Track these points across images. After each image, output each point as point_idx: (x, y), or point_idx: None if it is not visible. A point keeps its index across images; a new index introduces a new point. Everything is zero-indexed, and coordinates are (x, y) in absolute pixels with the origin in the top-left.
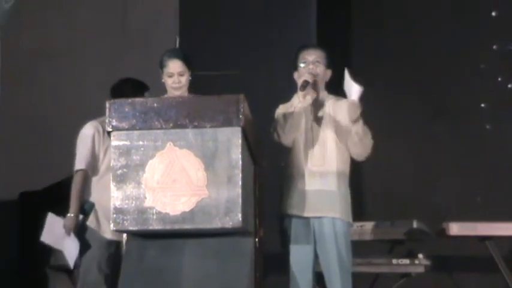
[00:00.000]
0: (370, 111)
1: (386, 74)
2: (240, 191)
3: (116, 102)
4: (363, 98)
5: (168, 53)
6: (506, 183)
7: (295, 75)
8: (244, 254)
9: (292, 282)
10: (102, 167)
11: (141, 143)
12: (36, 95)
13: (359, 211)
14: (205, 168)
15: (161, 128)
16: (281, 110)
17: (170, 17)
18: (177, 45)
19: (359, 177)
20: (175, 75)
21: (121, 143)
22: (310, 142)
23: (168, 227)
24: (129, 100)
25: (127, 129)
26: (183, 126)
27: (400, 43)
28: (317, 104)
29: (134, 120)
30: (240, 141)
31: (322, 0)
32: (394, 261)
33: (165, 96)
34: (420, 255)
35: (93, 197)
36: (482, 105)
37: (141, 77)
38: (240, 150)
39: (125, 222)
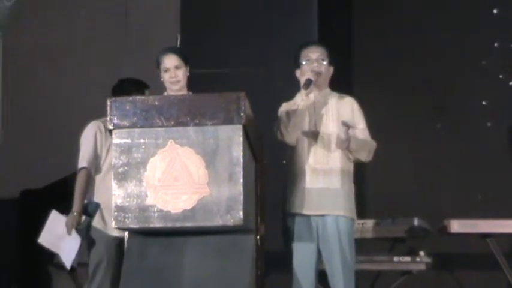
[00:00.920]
0: (371, 109)
1: (387, 72)
2: (241, 188)
3: (117, 100)
4: (366, 98)
5: (163, 50)
6: (507, 180)
7: (297, 72)
8: (246, 251)
9: (295, 280)
10: (105, 166)
11: (142, 140)
12: (37, 94)
13: (360, 209)
14: (206, 166)
15: (162, 126)
16: (284, 108)
17: (171, 16)
18: (178, 43)
19: (360, 175)
20: (172, 70)
21: (122, 141)
22: (313, 141)
23: (169, 224)
24: (130, 98)
25: (128, 127)
26: (184, 124)
27: (401, 41)
28: (320, 102)
29: (135, 118)
30: (241, 138)
31: None
32: (396, 258)
33: (166, 92)
34: (421, 253)
35: (98, 196)
36: (484, 102)
37: (142, 76)
38: (241, 147)
39: (126, 220)
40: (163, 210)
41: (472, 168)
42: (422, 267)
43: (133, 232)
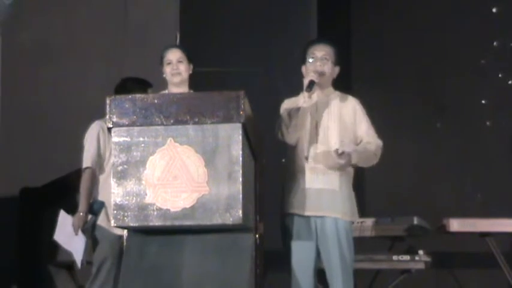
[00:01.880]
0: (371, 108)
1: (387, 72)
2: (240, 187)
3: (116, 99)
4: (365, 97)
5: (167, 45)
6: (506, 179)
7: (303, 68)
8: (245, 250)
9: (293, 279)
10: (109, 165)
11: (141, 139)
12: (37, 92)
13: (360, 207)
14: (205, 164)
15: (162, 124)
16: (286, 106)
17: (170, 14)
18: (177, 42)
19: (360, 174)
20: (174, 62)
21: (121, 139)
22: (315, 140)
23: (168, 223)
24: (129, 96)
25: (127, 126)
26: (183, 123)
27: (400, 40)
28: (323, 102)
29: (135, 117)
30: (240, 137)
31: None
32: (395, 257)
33: (166, 90)
34: (420, 252)
35: (102, 195)
36: (483, 101)
37: (142, 74)
38: (240, 146)
39: (125, 218)
40: (162, 208)
41: (472, 167)
42: (422, 266)
43: (132, 230)
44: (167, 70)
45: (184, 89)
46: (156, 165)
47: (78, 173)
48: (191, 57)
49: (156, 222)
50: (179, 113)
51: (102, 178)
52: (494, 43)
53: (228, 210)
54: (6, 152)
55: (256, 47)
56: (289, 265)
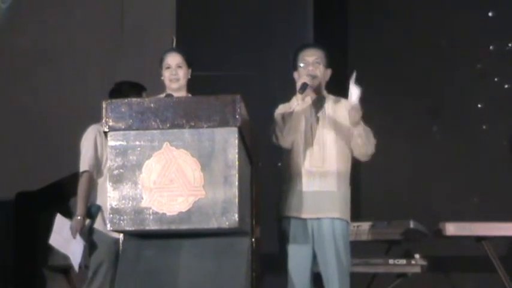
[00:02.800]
0: (367, 111)
1: (383, 74)
2: (236, 191)
3: (113, 103)
4: (362, 99)
5: (168, 48)
6: (502, 183)
7: (295, 74)
8: (241, 254)
9: (289, 283)
10: (106, 169)
11: (137, 143)
12: (33, 95)
13: (356, 211)
14: (202, 168)
15: (158, 128)
16: (280, 110)
17: (167, 17)
18: (174, 45)
19: (356, 177)
20: (173, 67)
21: (118, 143)
22: (310, 143)
23: (164, 227)
24: (126, 100)
25: (124, 130)
26: (179, 126)
27: (397, 43)
28: (317, 105)
29: (131, 121)
30: (236, 141)
31: (319, 0)
32: (391, 261)
33: (164, 93)
34: (417, 256)
35: (100, 199)
36: (479, 105)
37: (138, 77)
38: (236, 150)
39: (121, 222)
40: (158, 212)
41: (468, 171)
42: (418, 269)
43: (128, 234)
44: (166, 75)
45: (182, 93)
46: (152, 169)
47: (74, 177)
48: (191, 61)
49: (152, 226)
50: (175, 117)
51: (100, 181)
52: (491, 47)
53: (224, 214)
54: (2, 156)
55: (252, 51)
56: (286, 269)
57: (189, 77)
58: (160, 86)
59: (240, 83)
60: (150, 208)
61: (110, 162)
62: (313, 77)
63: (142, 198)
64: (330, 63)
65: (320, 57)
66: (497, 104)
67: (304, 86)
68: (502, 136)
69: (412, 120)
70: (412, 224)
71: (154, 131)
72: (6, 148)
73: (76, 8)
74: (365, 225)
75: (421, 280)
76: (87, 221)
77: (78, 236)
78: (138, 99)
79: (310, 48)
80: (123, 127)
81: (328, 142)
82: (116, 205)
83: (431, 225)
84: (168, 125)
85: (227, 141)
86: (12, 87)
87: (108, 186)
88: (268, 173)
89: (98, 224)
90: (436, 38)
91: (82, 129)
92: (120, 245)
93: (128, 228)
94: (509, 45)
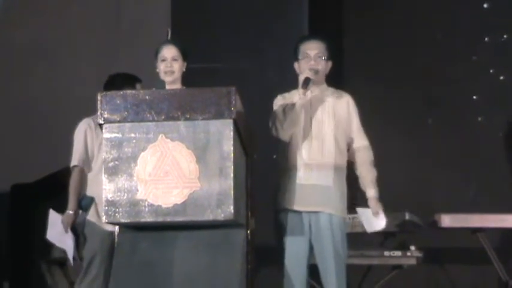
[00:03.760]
0: (362, 103)
1: (379, 66)
2: (231, 183)
3: (108, 95)
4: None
5: (164, 41)
6: (497, 175)
7: (296, 65)
8: (236, 246)
9: (286, 275)
10: (98, 161)
11: (132, 135)
12: (29, 89)
13: (351, 203)
14: (197, 160)
15: (153, 120)
16: (280, 102)
17: (162, 10)
18: (169, 37)
19: (351, 169)
20: (168, 60)
21: (113, 135)
22: (309, 136)
23: (160, 219)
24: (121, 92)
25: (119, 122)
26: (175, 119)
27: (392, 35)
28: (316, 98)
29: (126, 113)
30: (231, 133)
31: None
32: (386, 253)
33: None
34: (412, 247)
35: (92, 191)
36: (474, 97)
37: (134, 70)
38: (231, 142)
39: (116, 214)
40: (154, 204)
41: (463, 163)
42: (413, 261)
43: (124, 227)
44: (161, 67)
45: (177, 86)
46: (147, 161)
47: (69, 169)
48: (186, 54)
49: (147, 218)
50: (170, 109)
51: (90, 175)
52: (486, 39)
53: (220, 206)
54: None
55: (248, 43)
56: (282, 261)
57: (184, 70)
58: (156, 78)
59: (235, 75)
60: (145, 200)
61: (105, 154)
62: (316, 71)
63: (137, 191)
64: (330, 55)
65: (322, 51)
66: (493, 96)
67: (308, 81)
68: (497, 128)
69: (408, 112)
70: (407, 216)
71: (150, 123)
72: (2, 141)
73: (73, 3)
74: None
75: (417, 272)
76: (81, 213)
77: (69, 230)
78: (133, 91)
79: (312, 40)
80: (118, 119)
81: (327, 136)
82: (111, 197)
83: (427, 217)
84: (163, 117)
85: (222, 133)
86: (8, 82)
87: (104, 178)
88: (263, 165)
89: (91, 216)
90: (432, 30)
91: (78, 122)
92: (116, 237)
93: (123, 221)
94: (505, 37)
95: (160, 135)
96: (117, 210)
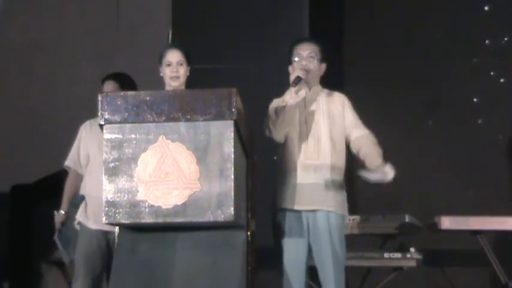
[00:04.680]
0: (362, 105)
1: (379, 68)
2: (232, 184)
3: (108, 95)
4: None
5: (169, 45)
6: (497, 177)
7: (290, 68)
8: (236, 247)
9: (285, 276)
10: (91, 160)
11: (133, 136)
12: (28, 89)
13: (351, 205)
14: (197, 161)
15: (153, 121)
16: (274, 104)
17: (162, 10)
18: (170, 39)
19: (351, 171)
20: (174, 65)
21: (113, 136)
22: (305, 136)
23: (160, 220)
24: (121, 93)
25: (119, 123)
26: (175, 120)
27: (392, 37)
28: (311, 99)
29: (126, 114)
30: (232, 134)
31: None
32: (386, 255)
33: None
34: (412, 249)
35: (85, 191)
36: (475, 99)
37: (134, 71)
38: (232, 143)
39: (117, 215)
40: (154, 205)
41: (463, 165)
42: (413, 263)
43: (124, 227)
44: (166, 72)
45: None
46: (147, 162)
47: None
48: (190, 58)
49: (147, 219)
50: (171, 110)
51: (86, 173)
52: (486, 41)
53: (220, 208)
54: None
55: (248, 44)
56: (281, 262)
57: (188, 74)
58: (156, 80)
59: (236, 76)
60: (145, 201)
61: (105, 155)
62: (307, 70)
63: (137, 191)
64: (324, 57)
65: (314, 52)
66: (493, 99)
67: (298, 80)
68: (497, 130)
69: (408, 113)
70: (407, 218)
71: (150, 124)
72: (2, 141)
73: (71, 2)
74: (360, 219)
75: (416, 274)
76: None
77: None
78: (134, 92)
79: (305, 42)
80: (118, 120)
81: (323, 135)
82: (111, 198)
83: (427, 219)
84: (163, 118)
85: (223, 134)
86: (7, 82)
87: (104, 179)
88: (264, 166)
89: (79, 215)
90: (432, 31)
91: (77, 123)
92: (116, 238)
93: (123, 221)
94: (505, 39)
95: (161, 136)
96: (117, 211)
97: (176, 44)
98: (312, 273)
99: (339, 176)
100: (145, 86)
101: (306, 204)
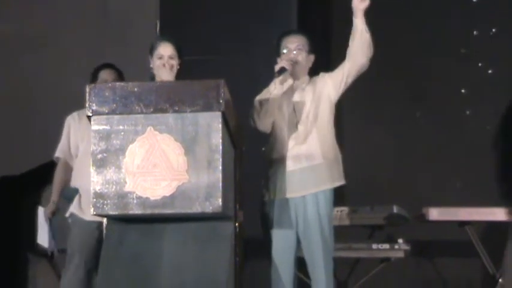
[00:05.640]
0: (350, 97)
1: None
2: (220, 175)
3: (96, 87)
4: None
5: (160, 37)
6: (485, 168)
7: (278, 60)
8: (224, 238)
9: (273, 267)
10: (80, 152)
11: (121, 127)
12: (17, 81)
13: (339, 196)
14: (185, 152)
15: (141, 113)
16: (259, 96)
17: (151, 2)
18: (158, 30)
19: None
20: (165, 58)
21: (101, 127)
22: (294, 125)
23: (148, 211)
24: (109, 84)
25: (107, 114)
26: (163, 111)
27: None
28: (298, 88)
29: (114, 105)
30: (220, 126)
31: None
32: (374, 246)
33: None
34: (400, 240)
35: (76, 183)
36: (463, 90)
37: (123, 63)
38: (220, 135)
39: (105, 206)
40: (142, 197)
41: (451, 156)
42: (401, 254)
43: (112, 219)
44: (157, 64)
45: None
46: (135, 154)
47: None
48: (181, 51)
49: (135, 210)
50: (159, 102)
51: (76, 165)
52: (475, 32)
53: (208, 199)
54: None
55: (236, 35)
56: (269, 253)
57: (178, 67)
58: (145, 71)
59: (224, 68)
60: (133, 192)
61: (93, 146)
62: (294, 62)
63: (125, 183)
64: (312, 49)
65: (302, 44)
66: (481, 90)
67: (282, 70)
68: (485, 121)
69: (396, 105)
70: (395, 209)
71: (138, 116)
72: None
73: None
74: (348, 210)
75: (405, 265)
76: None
77: (43, 222)
78: (122, 84)
79: (293, 34)
80: (106, 111)
81: (311, 123)
82: (99, 189)
83: (415, 210)
84: (151, 110)
85: (211, 125)
86: None
87: (92, 170)
88: (252, 157)
89: (73, 207)
90: (420, 23)
91: (66, 114)
92: (104, 229)
93: (111, 213)
94: (493, 30)
95: (149, 128)
96: (105, 202)
97: (168, 37)
98: (300, 264)
99: (332, 149)
100: (134, 78)
101: (296, 191)
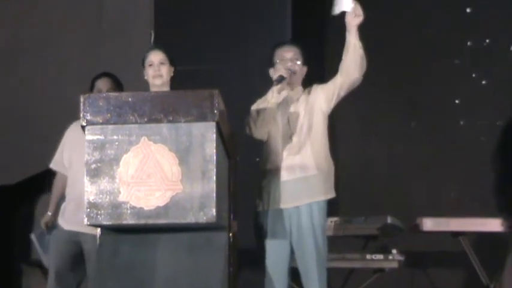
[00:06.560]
0: (344, 107)
1: None
2: (214, 186)
3: (90, 97)
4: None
5: (150, 46)
6: (479, 179)
7: (271, 71)
8: (218, 249)
9: (267, 278)
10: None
11: (115, 137)
12: (12, 87)
13: (333, 206)
14: (179, 163)
15: (136, 123)
16: (256, 104)
17: (145, 9)
18: (152, 40)
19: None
20: (156, 64)
21: (95, 137)
22: (287, 136)
23: (142, 221)
24: (104, 94)
25: (101, 124)
26: (157, 121)
27: (374, 38)
28: (292, 99)
29: (109, 115)
30: (214, 136)
31: None
32: (368, 256)
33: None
34: (394, 251)
35: (69, 191)
36: (457, 101)
37: (118, 70)
38: (214, 145)
39: (98, 216)
40: (136, 207)
41: (445, 167)
42: (395, 265)
43: (105, 229)
44: (149, 72)
45: (165, 89)
46: (129, 164)
47: (51, 171)
48: (173, 59)
49: (129, 220)
50: (153, 112)
51: (69, 174)
52: (468, 43)
53: (202, 209)
54: None
55: (231, 45)
56: (263, 264)
57: (172, 74)
58: (141, 78)
59: (218, 78)
60: (127, 202)
61: (87, 156)
62: (292, 72)
63: (119, 193)
64: (305, 60)
65: (297, 54)
66: (475, 100)
67: (280, 78)
68: (479, 132)
69: (390, 115)
70: (389, 219)
71: (132, 125)
72: None
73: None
74: (342, 221)
75: (399, 275)
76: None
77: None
78: (116, 93)
79: (287, 45)
80: (100, 121)
81: (306, 134)
82: (93, 199)
83: (409, 221)
84: (145, 120)
85: (205, 136)
86: None
87: (86, 180)
88: (246, 167)
89: (59, 217)
90: (414, 33)
91: (61, 121)
92: (98, 239)
93: (105, 223)
94: (487, 41)
95: (143, 138)
96: (99, 212)
97: (157, 44)
98: (294, 274)
99: (325, 161)
100: (130, 84)
101: (290, 201)
